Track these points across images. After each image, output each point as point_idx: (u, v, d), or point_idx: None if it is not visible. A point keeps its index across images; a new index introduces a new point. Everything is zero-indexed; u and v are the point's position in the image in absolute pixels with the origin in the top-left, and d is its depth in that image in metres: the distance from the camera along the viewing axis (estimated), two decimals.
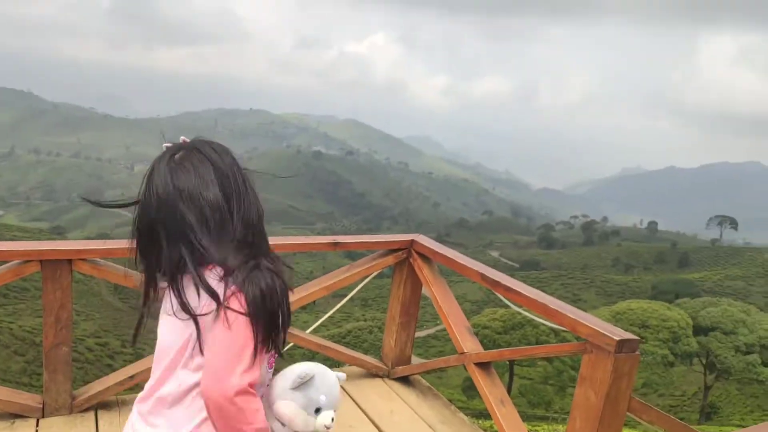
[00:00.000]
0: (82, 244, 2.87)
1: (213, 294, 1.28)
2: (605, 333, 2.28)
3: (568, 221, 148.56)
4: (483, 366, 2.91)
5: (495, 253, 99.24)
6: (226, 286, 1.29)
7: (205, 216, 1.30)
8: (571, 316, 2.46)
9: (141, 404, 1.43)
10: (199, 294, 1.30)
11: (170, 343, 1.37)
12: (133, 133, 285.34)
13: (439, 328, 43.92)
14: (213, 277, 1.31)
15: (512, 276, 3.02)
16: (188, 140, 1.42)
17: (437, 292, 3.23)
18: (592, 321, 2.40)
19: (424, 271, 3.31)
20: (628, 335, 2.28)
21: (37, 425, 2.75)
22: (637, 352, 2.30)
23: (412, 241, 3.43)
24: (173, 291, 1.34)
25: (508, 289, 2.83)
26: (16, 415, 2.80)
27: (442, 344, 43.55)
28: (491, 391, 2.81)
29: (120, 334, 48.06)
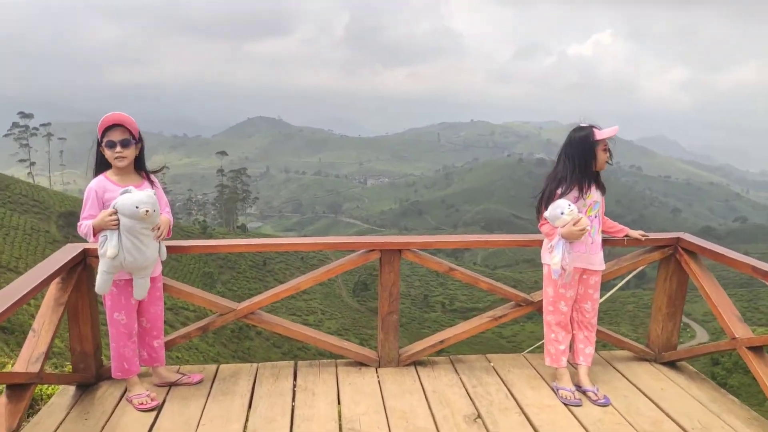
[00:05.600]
0: (408, 238, 3.79)
1: None
2: None
3: None
4: (755, 350, 3.12)
5: None
6: None
7: None
8: None
9: None
10: None
11: None
12: (365, 150, 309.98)
13: None
14: None
15: None
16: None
17: (706, 283, 3.51)
18: None
19: (692, 266, 3.61)
20: None
21: (376, 372, 3.70)
22: None
23: (678, 238, 3.75)
24: None
25: None
26: (361, 363, 3.81)
27: None
28: (765, 374, 3.02)
29: (358, 332, 52.82)
